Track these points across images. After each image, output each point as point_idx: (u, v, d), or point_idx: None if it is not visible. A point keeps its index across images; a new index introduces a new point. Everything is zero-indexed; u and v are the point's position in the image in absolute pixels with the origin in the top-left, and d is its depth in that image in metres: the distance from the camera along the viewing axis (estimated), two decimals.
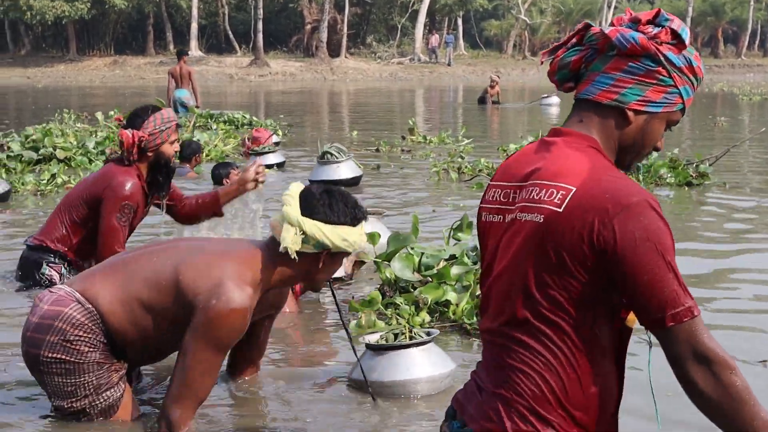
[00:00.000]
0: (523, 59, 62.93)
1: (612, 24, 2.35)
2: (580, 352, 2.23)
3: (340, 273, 5.45)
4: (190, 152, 11.08)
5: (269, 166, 11.68)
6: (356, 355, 4.12)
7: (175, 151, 5.64)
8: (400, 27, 62.34)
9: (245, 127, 17.15)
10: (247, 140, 13.24)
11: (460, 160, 12.06)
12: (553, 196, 2.22)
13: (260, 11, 53.25)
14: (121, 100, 30.91)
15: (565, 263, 2.19)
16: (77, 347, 3.59)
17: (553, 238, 2.20)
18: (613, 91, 2.29)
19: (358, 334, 4.70)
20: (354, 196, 3.83)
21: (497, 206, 2.36)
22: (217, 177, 10.99)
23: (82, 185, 5.76)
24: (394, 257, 5.42)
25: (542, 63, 2.51)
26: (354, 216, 3.69)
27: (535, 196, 2.26)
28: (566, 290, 2.20)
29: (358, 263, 5.62)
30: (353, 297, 5.53)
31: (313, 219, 3.61)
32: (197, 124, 16.42)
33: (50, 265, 3.97)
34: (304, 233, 3.59)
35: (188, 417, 3.54)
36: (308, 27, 60.38)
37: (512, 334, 2.28)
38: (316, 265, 3.69)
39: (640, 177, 10.37)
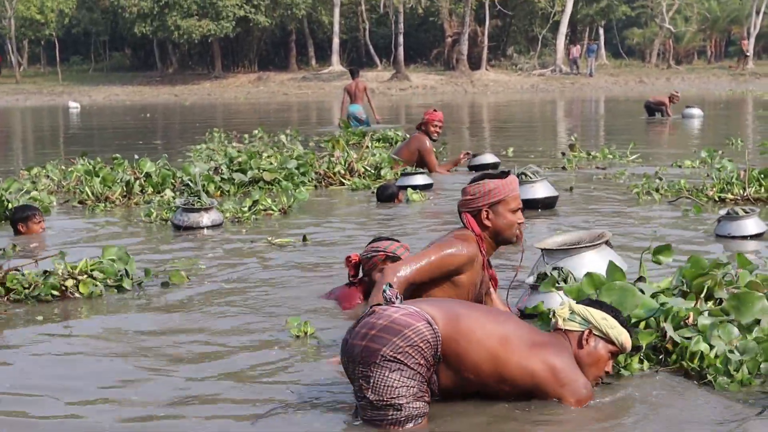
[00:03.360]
0: (668, 68, 61.63)
1: None
2: None
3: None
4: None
5: (414, 188, 11.46)
6: None
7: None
8: (540, 38, 61.85)
9: (399, 144, 16.05)
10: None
11: (658, 180, 11.33)
12: None
13: (401, 25, 53.53)
14: (265, 117, 31.47)
15: None
16: (415, 356, 4.06)
17: None
18: None
19: None
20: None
21: None
22: (389, 197, 10.93)
23: None
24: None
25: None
26: (616, 315, 4.40)
27: None
28: None
29: None
30: None
31: (582, 304, 4.47)
32: (351, 142, 16.32)
33: (390, 288, 4.26)
34: (572, 311, 4.39)
35: None
36: (449, 40, 60.42)
37: None
38: (581, 346, 4.33)
39: None
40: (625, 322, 4.40)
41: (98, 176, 11.48)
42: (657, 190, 10.87)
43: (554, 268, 5.58)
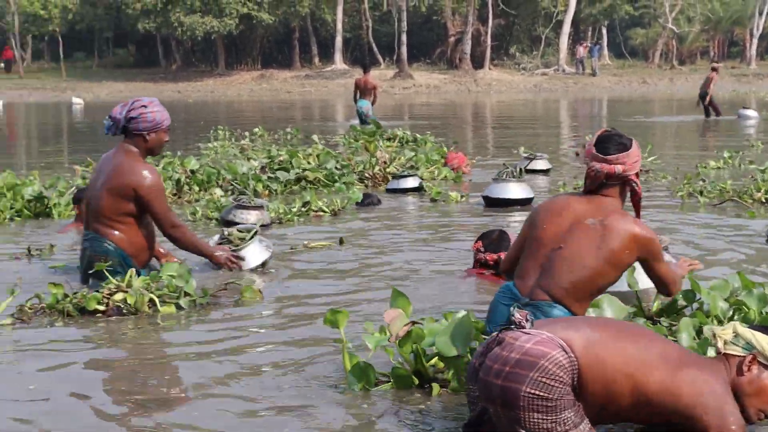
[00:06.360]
0: (671, 69, 61.53)
1: None
2: None
3: None
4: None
5: (406, 191, 11.36)
6: None
7: None
8: (543, 38, 61.79)
9: (409, 144, 16.19)
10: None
11: (701, 182, 11.05)
12: None
13: (404, 24, 53.49)
14: (268, 115, 31.39)
15: None
16: (557, 386, 3.69)
17: None
18: None
19: None
20: None
21: None
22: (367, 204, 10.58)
23: None
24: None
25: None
26: None
27: None
28: None
29: None
30: None
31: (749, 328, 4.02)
32: (360, 141, 16.30)
33: (518, 310, 3.84)
34: (736, 333, 3.94)
35: None
36: (452, 39, 60.38)
37: None
38: (741, 373, 3.88)
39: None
40: None
41: None
42: (701, 193, 10.54)
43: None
